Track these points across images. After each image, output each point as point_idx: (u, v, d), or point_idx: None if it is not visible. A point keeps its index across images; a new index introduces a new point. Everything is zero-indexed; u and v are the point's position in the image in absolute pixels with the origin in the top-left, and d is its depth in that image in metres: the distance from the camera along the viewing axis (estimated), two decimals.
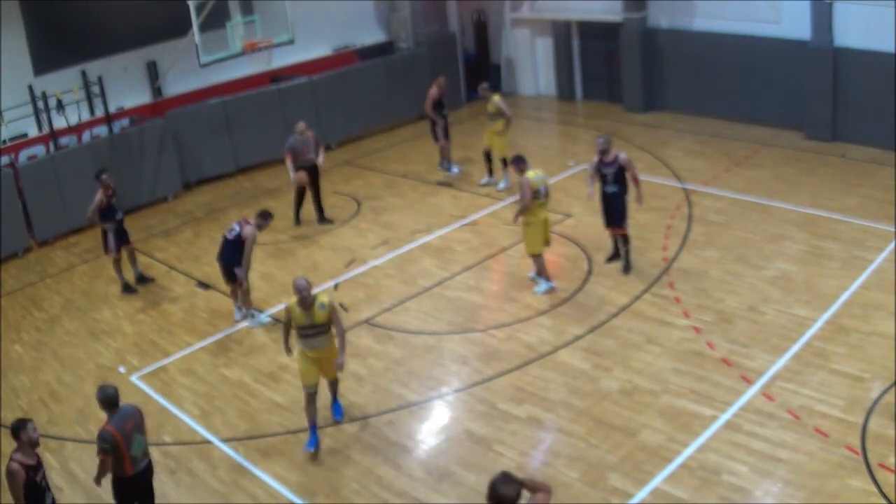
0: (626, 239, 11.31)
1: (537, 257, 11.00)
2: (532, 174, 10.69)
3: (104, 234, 12.17)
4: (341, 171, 16.98)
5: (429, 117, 15.70)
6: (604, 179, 11.05)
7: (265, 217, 10.95)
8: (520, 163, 11.00)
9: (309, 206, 14.22)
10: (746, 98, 16.70)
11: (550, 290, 11.03)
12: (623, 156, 10.93)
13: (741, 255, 11.46)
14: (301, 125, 13.60)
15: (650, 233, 12.39)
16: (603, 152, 10.88)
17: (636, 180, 10.96)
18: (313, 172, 13.85)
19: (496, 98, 14.60)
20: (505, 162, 14.50)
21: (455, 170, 16.01)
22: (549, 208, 10.93)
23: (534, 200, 10.58)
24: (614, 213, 11.14)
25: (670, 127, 17.19)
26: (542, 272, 11.10)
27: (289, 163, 13.62)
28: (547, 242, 10.94)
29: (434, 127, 15.69)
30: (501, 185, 14.84)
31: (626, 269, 11.34)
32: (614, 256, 11.64)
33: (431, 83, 15.78)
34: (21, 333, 11.73)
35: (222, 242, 10.90)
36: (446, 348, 10.12)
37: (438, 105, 15.46)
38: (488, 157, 15.00)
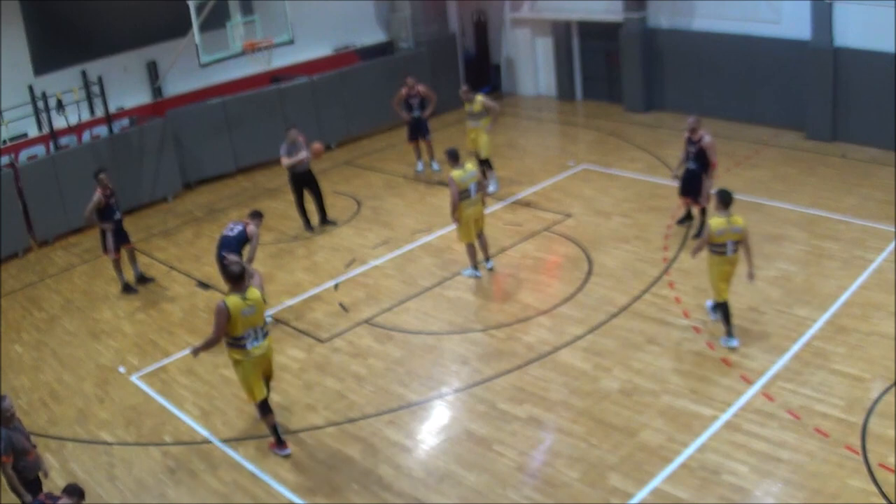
0: (703, 210, 11.96)
1: (467, 246, 11.59)
2: (458, 173, 11.18)
3: (103, 234, 12.17)
4: (341, 171, 16.99)
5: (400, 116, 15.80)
6: (686, 155, 11.90)
7: (259, 216, 11.00)
8: (449, 158, 11.47)
9: (311, 207, 14.16)
10: (746, 98, 16.70)
11: (474, 276, 11.66)
12: (707, 139, 11.59)
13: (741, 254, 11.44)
14: (292, 133, 13.54)
15: (650, 233, 12.39)
16: (692, 131, 11.67)
17: (713, 165, 11.67)
18: (308, 177, 13.81)
19: (479, 97, 14.60)
20: (489, 163, 14.47)
21: (420, 167, 16.21)
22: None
23: (463, 200, 11.14)
24: (691, 186, 11.94)
25: (670, 127, 17.17)
26: (471, 260, 11.68)
27: (286, 162, 13.54)
28: (478, 234, 11.55)
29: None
30: (492, 187, 14.65)
31: (699, 235, 11.95)
32: (685, 219, 12.52)
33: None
34: (21, 333, 11.73)
35: (221, 241, 10.89)
36: (446, 348, 10.12)
37: (406, 105, 15.46)
38: (479, 161, 14.93)
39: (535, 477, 7.73)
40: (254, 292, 7.92)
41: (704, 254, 9.46)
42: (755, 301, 10.23)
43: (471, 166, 11.38)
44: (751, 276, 9.30)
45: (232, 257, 9.58)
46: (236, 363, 8.04)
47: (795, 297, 10.21)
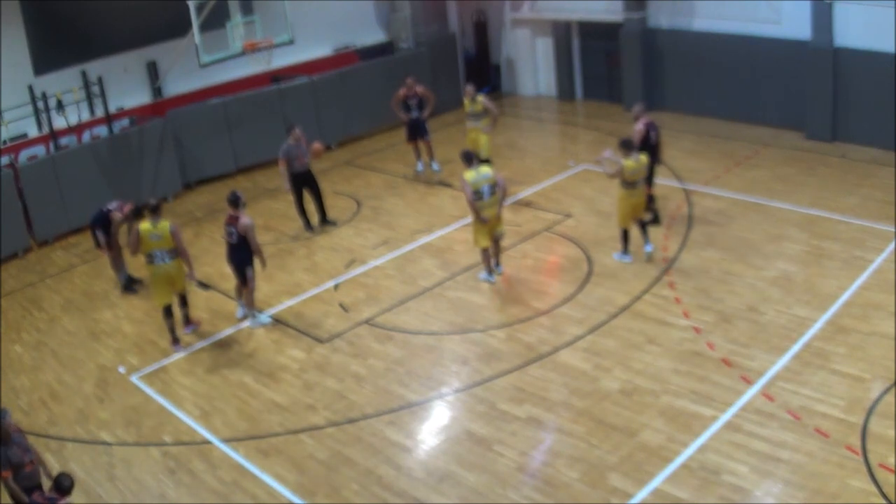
0: (650, 198, 12.42)
1: (482, 251, 11.47)
2: (471, 174, 11.05)
3: (93, 232, 12.25)
4: (341, 171, 16.99)
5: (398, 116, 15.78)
6: None
7: (237, 200, 10.77)
8: (462, 159, 11.43)
9: (311, 207, 14.16)
10: (746, 98, 16.70)
11: (488, 281, 11.55)
12: (636, 126, 12.42)
13: (741, 255, 11.46)
14: (297, 131, 13.55)
15: (650, 233, 12.37)
16: (635, 118, 12.59)
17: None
18: (309, 177, 13.81)
19: (481, 98, 14.60)
20: (489, 163, 14.45)
21: (420, 167, 16.17)
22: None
23: (477, 201, 11.01)
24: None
25: (670, 127, 17.13)
26: (485, 264, 11.59)
27: (282, 169, 13.59)
28: (496, 238, 11.40)
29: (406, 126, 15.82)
30: None
31: (654, 221, 12.56)
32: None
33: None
34: (21, 333, 11.74)
35: (227, 248, 10.90)
36: (446, 348, 10.12)
37: (405, 106, 15.48)
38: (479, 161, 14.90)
39: (535, 477, 7.73)
40: (164, 224, 10.26)
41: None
42: (755, 301, 10.24)
43: (485, 169, 11.13)
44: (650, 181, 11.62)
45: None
46: (149, 275, 10.65)
47: (795, 297, 10.21)
